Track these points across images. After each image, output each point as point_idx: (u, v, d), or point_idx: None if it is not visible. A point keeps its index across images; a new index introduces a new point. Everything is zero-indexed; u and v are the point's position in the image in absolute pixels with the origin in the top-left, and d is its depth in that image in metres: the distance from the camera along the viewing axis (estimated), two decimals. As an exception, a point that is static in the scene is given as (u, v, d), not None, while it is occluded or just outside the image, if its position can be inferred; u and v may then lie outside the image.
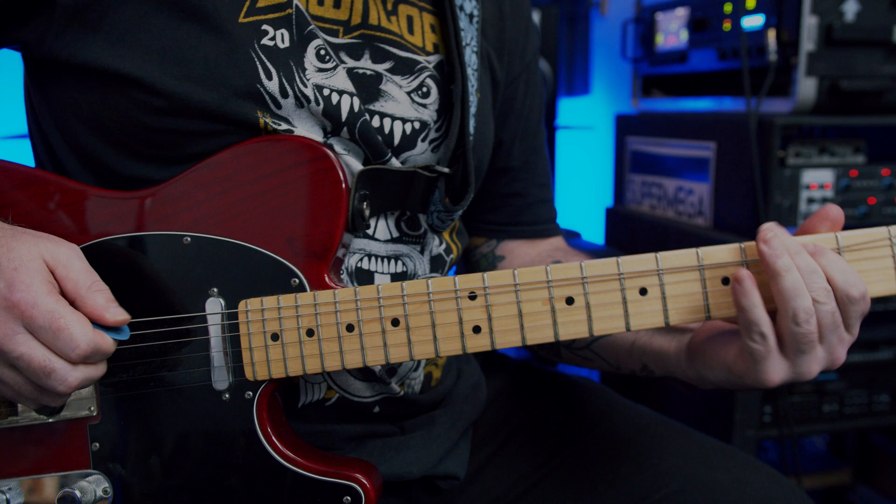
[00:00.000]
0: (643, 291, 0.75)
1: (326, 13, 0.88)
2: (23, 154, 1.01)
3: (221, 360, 0.80)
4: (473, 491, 1.02)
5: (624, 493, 0.93)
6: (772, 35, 1.65)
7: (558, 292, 0.75)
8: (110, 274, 0.79)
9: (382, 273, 0.90)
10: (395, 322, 0.77)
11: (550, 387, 1.11)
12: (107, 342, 0.73)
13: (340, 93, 0.85)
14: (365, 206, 0.83)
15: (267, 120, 0.82)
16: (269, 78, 0.82)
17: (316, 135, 0.84)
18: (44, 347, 0.71)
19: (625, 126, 2.22)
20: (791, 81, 1.65)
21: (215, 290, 0.80)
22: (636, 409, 1.05)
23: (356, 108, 0.85)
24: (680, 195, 1.95)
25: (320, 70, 0.84)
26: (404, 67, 0.91)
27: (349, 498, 0.80)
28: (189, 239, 0.80)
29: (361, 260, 0.89)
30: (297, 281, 0.79)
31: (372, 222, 0.89)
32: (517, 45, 1.07)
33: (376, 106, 0.88)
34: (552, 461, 1.00)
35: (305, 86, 0.83)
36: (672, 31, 2.04)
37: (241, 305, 0.79)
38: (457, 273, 0.93)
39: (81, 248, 0.79)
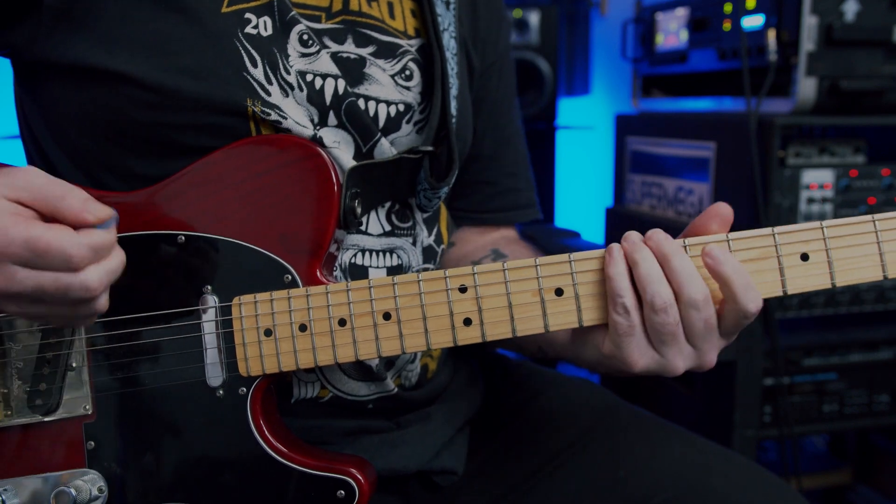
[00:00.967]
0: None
1: (308, 0, 0.89)
2: (19, 154, 1.02)
3: (215, 356, 0.80)
4: (472, 491, 1.01)
5: (623, 496, 0.93)
6: (772, 35, 1.65)
7: (547, 283, 0.76)
8: None
9: (377, 267, 0.91)
10: (387, 316, 0.78)
11: (550, 388, 1.11)
12: (99, 236, 0.69)
13: (324, 76, 0.86)
14: (357, 204, 0.84)
15: (256, 109, 0.82)
16: (255, 66, 0.83)
17: (306, 123, 0.85)
18: (46, 272, 0.68)
19: (625, 126, 2.22)
20: (791, 81, 1.65)
21: (209, 287, 0.81)
22: (636, 412, 1.05)
23: (341, 91, 0.86)
24: (680, 195, 1.95)
25: (303, 55, 0.85)
26: (387, 51, 0.93)
27: (343, 492, 0.80)
28: (183, 238, 0.81)
29: (355, 256, 0.90)
30: (290, 277, 0.80)
31: (364, 218, 0.90)
32: (491, 33, 1.10)
33: (361, 89, 0.89)
34: (551, 463, 1.00)
35: (289, 73, 0.84)
36: (672, 31, 2.04)
37: (235, 301, 0.80)
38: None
39: None
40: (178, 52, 0.81)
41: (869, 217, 0.74)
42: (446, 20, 0.97)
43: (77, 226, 0.68)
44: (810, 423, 1.80)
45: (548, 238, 2.00)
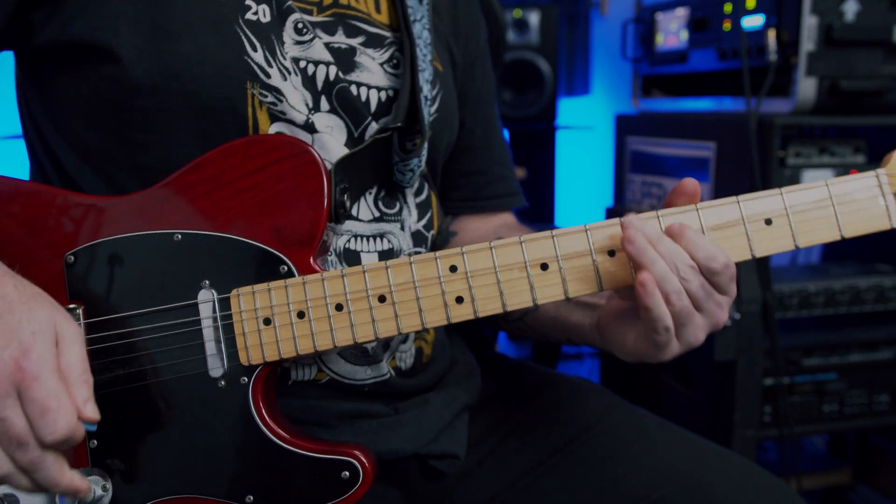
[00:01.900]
0: (611, 253, 0.80)
1: None
2: (20, 154, 1.02)
3: (215, 347, 0.82)
4: (471, 486, 1.02)
5: (622, 493, 0.94)
6: (772, 35, 1.65)
7: (533, 259, 0.80)
8: (103, 274, 0.81)
9: (369, 252, 0.94)
10: (382, 298, 0.81)
11: (549, 386, 1.12)
12: (80, 433, 0.73)
13: (317, 63, 0.90)
14: (346, 198, 0.87)
15: (255, 91, 0.86)
16: (255, 50, 0.86)
17: (301, 107, 0.89)
18: (25, 421, 0.71)
19: (625, 126, 2.22)
20: (791, 81, 1.65)
21: (207, 282, 0.82)
22: (635, 411, 1.06)
23: (332, 77, 0.90)
24: (680, 195, 1.94)
25: (298, 43, 0.89)
26: (375, 41, 0.97)
27: (347, 473, 0.81)
28: (180, 236, 0.83)
29: (349, 241, 0.92)
30: (286, 268, 0.82)
31: (354, 207, 0.93)
32: (472, 30, 1.14)
33: (352, 76, 0.93)
34: (550, 459, 1.01)
35: (285, 58, 0.88)
36: (672, 31, 2.04)
37: (233, 293, 0.82)
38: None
39: (76, 252, 0.82)
40: (181, 37, 0.83)
41: (823, 182, 0.80)
42: (419, 12, 1.01)
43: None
44: (810, 423, 1.80)
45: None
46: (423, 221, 1.03)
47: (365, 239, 0.94)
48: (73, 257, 0.82)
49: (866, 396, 1.82)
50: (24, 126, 0.99)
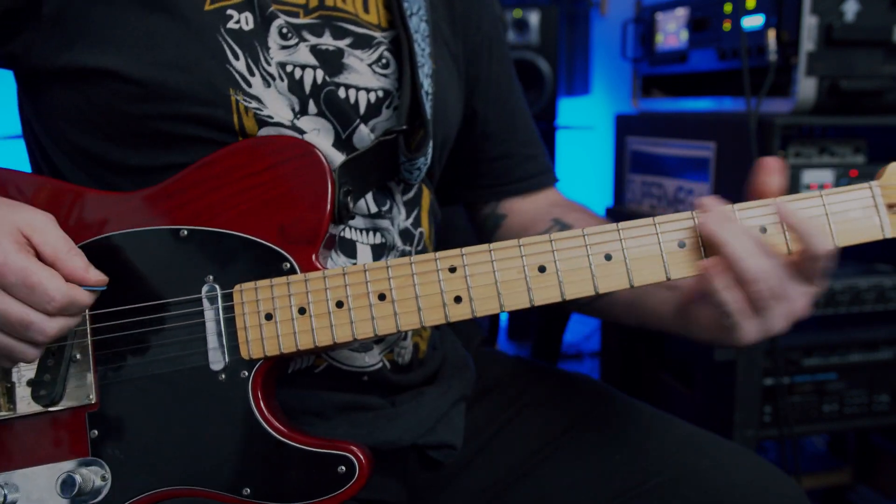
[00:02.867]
0: (608, 257, 0.81)
1: None
2: (20, 154, 1.02)
3: (217, 341, 0.83)
4: (469, 475, 1.04)
5: (619, 480, 0.96)
6: (772, 35, 1.65)
7: (531, 261, 0.81)
8: (110, 267, 0.82)
9: (363, 243, 0.96)
10: (382, 296, 0.82)
11: (546, 378, 1.14)
12: (81, 294, 0.77)
13: (303, 67, 0.91)
14: (349, 200, 0.88)
15: (239, 98, 0.87)
16: (237, 58, 0.88)
17: (285, 113, 0.90)
18: (19, 303, 0.74)
19: (625, 126, 2.22)
20: (791, 81, 1.65)
21: (210, 277, 0.84)
22: (630, 401, 1.08)
23: (319, 81, 0.91)
24: (680, 195, 1.95)
25: (283, 48, 0.90)
26: (363, 42, 0.97)
27: (343, 468, 0.82)
28: (185, 232, 0.85)
29: (344, 230, 0.94)
30: (289, 265, 0.84)
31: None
32: (471, 16, 1.13)
33: (340, 78, 0.94)
34: (547, 448, 1.02)
35: (269, 64, 0.89)
36: (672, 31, 2.04)
37: (236, 288, 0.83)
38: (437, 250, 0.99)
39: (82, 245, 0.83)
40: (163, 47, 0.85)
41: (818, 193, 0.82)
42: (415, 5, 1.01)
43: (75, 281, 0.76)
44: (810, 423, 1.80)
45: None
46: (410, 220, 1.03)
47: (361, 231, 0.95)
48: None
49: (866, 396, 1.82)
50: (22, 127, 1.01)
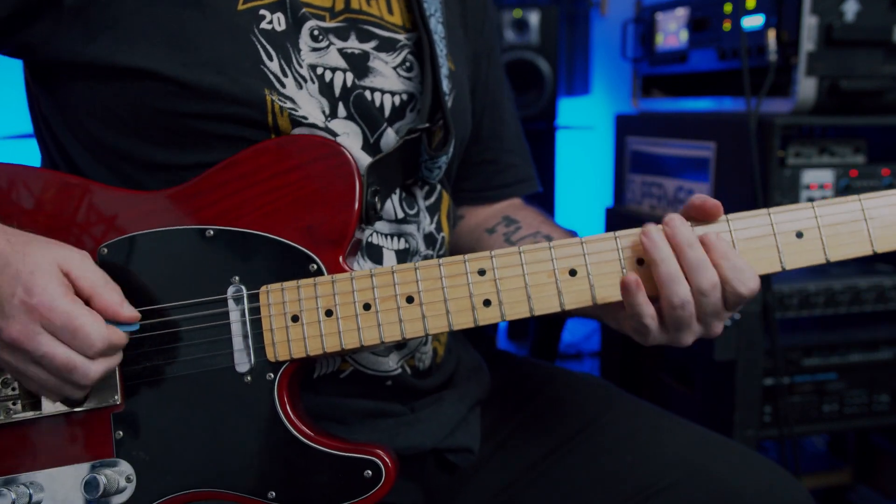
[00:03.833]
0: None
1: (314, 1, 0.93)
2: (24, 154, 1.02)
3: (243, 342, 0.83)
4: (485, 477, 1.04)
5: (630, 482, 0.97)
6: (772, 35, 1.65)
7: (561, 265, 0.81)
8: (136, 267, 0.83)
9: (389, 249, 0.95)
10: (410, 299, 0.82)
11: (555, 380, 1.14)
12: (120, 336, 0.79)
13: (333, 70, 0.90)
14: (376, 200, 0.88)
15: (274, 98, 0.87)
16: (271, 59, 0.87)
17: (317, 115, 0.89)
18: (64, 346, 0.75)
19: (625, 126, 2.22)
20: (791, 81, 1.65)
21: (237, 278, 0.84)
22: (637, 403, 1.09)
23: (349, 84, 0.91)
24: (680, 195, 1.95)
25: (314, 50, 0.90)
26: (388, 45, 0.97)
27: (370, 472, 0.82)
28: (212, 232, 0.84)
29: (371, 236, 0.94)
30: (315, 266, 0.83)
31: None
32: (477, 20, 1.15)
33: (367, 81, 0.94)
34: (559, 450, 1.03)
35: (301, 66, 0.88)
36: (672, 31, 2.04)
37: (262, 290, 0.83)
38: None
39: (108, 245, 0.84)
40: (198, 47, 0.84)
41: (856, 196, 0.80)
42: (433, 6, 1.02)
43: (108, 317, 0.78)
44: (810, 423, 1.80)
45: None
46: (434, 224, 1.04)
47: (386, 237, 0.95)
48: (106, 249, 0.84)
49: (866, 396, 1.82)
50: (35, 124, 0.99)
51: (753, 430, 1.69)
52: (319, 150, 0.85)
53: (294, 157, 0.84)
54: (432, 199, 1.04)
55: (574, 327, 3.21)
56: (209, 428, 0.83)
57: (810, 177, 1.67)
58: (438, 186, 1.05)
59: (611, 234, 0.81)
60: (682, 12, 1.99)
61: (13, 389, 0.83)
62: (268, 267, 0.83)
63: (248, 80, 0.85)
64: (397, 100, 0.96)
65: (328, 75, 0.90)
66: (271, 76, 0.86)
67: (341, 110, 0.90)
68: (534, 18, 2.89)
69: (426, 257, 1.00)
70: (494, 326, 1.76)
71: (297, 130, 0.88)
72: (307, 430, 0.82)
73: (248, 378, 0.83)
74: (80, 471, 0.83)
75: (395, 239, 0.96)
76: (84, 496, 0.81)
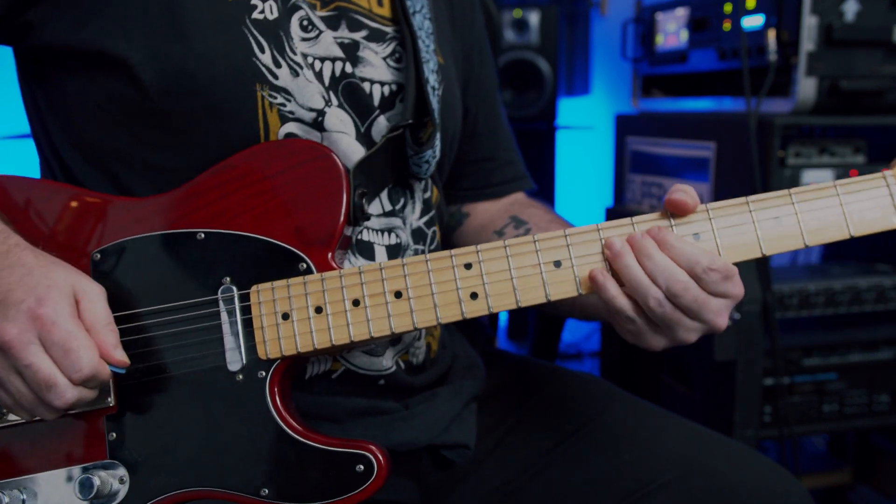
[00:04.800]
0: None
1: None
2: (23, 154, 1.02)
3: (234, 341, 0.84)
4: (482, 475, 1.04)
5: (628, 479, 0.97)
6: (772, 35, 1.65)
7: (546, 256, 0.82)
8: (128, 271, 0.84)
9: (380, 244, 0.96)
10: (398, 294, 0.83)
11: (553, 378, 1.14)
12: (106, 371, 0.78)
13: (323, 59, 0.91)
14: (364, 202, 0.89)
15: (265, 94, 0.87)
16: (262, 51, 0.87)
17: (315, 102, 0.90)
18: (51, 362, 0.75)
19: (625, 126, 2.22)
20: (791, 81, 1.65)
21: (227, 278, 0.85)
22: (635, 401, 1.09)
23: (338, 73, 0.92)
24: (680, 195, 1.94)
25: (304, 39, 0.91)
26: (377, 35, 0.98)
27: (361, 466, 0.83)
28: (203, 235, 0.85)
29: (361, 232, 0.95)
30: (305, 265, 0.84)
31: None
32: (466, 17, 1.16)
33: (357, 70, 0.95)
34: (558, 447, 1.03)
35: (295, 53, 0.89)
36: (672, 31, 2.04)
37: (253, 289, 0.84)
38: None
39: (102, 250, 0.85)
40: (191, 38, 0.84)
41: (831, 183, 0.82)
42: (418, 3, 1.02)
43: (101, 355, 0.77)
44: (810, 423, 1.80)
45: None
46: (425, 218, 1.04)
47: (376, 232, 0.96)
48: (99, 255, 0.85)
49: (866, 396, 1.82)
50: (31, 123, 0.99)
51: (753, 430, 1.69)
52: (308, 153, 0.86)
53: (283, 160, 0.86)
54: (421, 194, 1.04)
55: (574, 327, 3.21)
56: (202, 427, 0.84)
57: (810, 177, 1.67)
58: (429, 182, 1.05)
59: (594, 226, 0.82)
60: (682, 12, 1.99)
61: None
62: (258, 267, 0.85)
63: (240, 73, 0.86)
64: (387, 89, 0.97)
65: (318, 65, 0.91)
66: (263, 69, 0.87)
67: (333, 99, 0.91)
68: (534, 18, 2.89)
69: (417, 252, 1.00)
70: (494, 325, 1.76)
71: (286, 127, 0.89)
72: (299, 427, 0.83)
73: (240, 377, 0.84)
74: (74, 473, 0.83)
75: (386, 234, 0.97)
76: (78, 498, 0.82)
